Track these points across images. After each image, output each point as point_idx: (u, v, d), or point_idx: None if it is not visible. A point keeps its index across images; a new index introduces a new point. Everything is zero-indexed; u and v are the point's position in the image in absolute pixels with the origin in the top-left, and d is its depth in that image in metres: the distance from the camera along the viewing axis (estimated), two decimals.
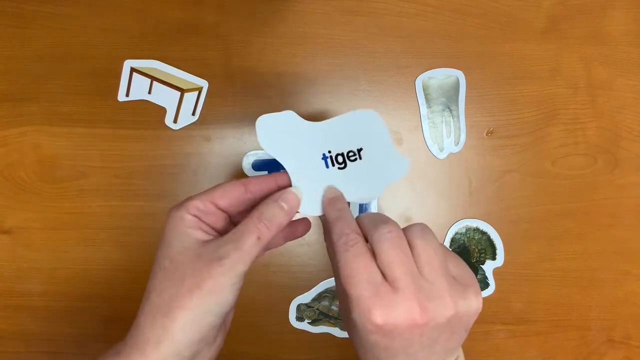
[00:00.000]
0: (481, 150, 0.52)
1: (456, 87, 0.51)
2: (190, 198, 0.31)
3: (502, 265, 0.52)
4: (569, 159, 0.52)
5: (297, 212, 0.33)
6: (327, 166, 0.34)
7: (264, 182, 0.33)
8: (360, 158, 0.35)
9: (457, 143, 0.51)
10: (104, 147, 0.50)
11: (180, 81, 0.50)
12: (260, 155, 0.50)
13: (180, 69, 0.50)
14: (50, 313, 0.50)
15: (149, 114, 0.50)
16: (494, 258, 0.52)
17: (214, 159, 0.50)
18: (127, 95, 0.50)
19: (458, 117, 0.51)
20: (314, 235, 0.51)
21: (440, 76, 0.51)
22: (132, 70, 0.49)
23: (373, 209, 0.51)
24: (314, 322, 0.51)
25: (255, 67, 0.50)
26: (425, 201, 0.51)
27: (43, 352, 0.50)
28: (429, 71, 0.51)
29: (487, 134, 0.52)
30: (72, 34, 0.49)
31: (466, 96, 0.51)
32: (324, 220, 0.34)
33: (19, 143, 0.49)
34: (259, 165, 0.50)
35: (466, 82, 0.51)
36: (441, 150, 0.51)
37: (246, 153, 0.50)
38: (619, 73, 0.52)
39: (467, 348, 0.52)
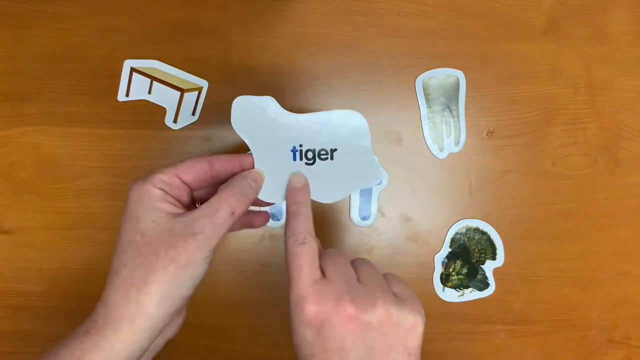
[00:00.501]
0: (481, 150, 0.52)
1: (456, 87, 0.51)
2: (155, 172, 0.31)
3: (502, 265, 0.52)
4: (569, 159, 0.52)
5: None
6: (294, 159, 0.34)
7: (229, 161, 0.33)
8: (332, 159, 0.34)
9: (457, 143, 0.51)
10: (104, 147, 0.50)
11: (180, 81, 0.50)
12: None
13: (180, 69, 0.50)
14: (50, 313, 0.50)
15: (149, 114, 0.50)
16: (494, 258, 0.52)
17: None
18: (127, 95, 0.50)
19: (458, 117, 0.51)
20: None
21: (440, 76, 0.51)
22: (132, 70, 0.49)
23: (374, 210, 0.51)
24: None
25: (255, 67, 0.50)
26: (425, 201, 0.51)
27: (43, 352, 0.50)
28: (429, 71, 0.51)
29: (487, 134, 0.52)
30: (72, 34, 0.49)
31: (466, 96, 0.51)
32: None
33: (19, 143, 0.49)
34: None
35: (466, 82, 0.51)
36: (441, 150, 0.51)
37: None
38: (619, 73, 0.52)
39: (467, 348, 0.52)
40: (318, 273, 0.30)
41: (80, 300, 0.50)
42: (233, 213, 0.31)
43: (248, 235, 0.51)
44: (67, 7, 0.50)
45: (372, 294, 0.29)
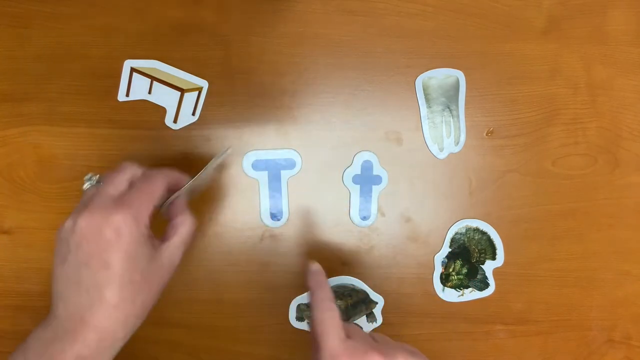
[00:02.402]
0: (481, 150, 0.52)
1: (456, 87, 0.51)
2: (139, 207, 0.35)
3: (502, 265, 0.52)
4: (569, 159, 0.52)
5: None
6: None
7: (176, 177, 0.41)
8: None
9: (457, 143, 0.51)
10: (104, 147, 0.50)
11: (180, 81, 0.50)
12: (261, 155, 0.50)
13: (180, 69, 0.50)
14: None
15: (149, 114, 0.50)
16: (494, 258, 0.52)
17: None
18: (127, 95, 0.50)
19: (458, 117, 0.51)
20: (314, 235, 0.51)
21: (440, 76, 0.51)
22: (132, 70, 0.49)
23: (374, 210, 0.51)
24: None
25: (255, 67, 0.50)
26: (425, 201, 0.51)
27: None
28: (429, 71, 0.51)
29: (487, 134, 0.52)
30: (72, 34, 0.49)
31: (466, 96, 0.51)
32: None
33: (19, 143, 0.49)
34: (259, 166, 0.50)
35: (466, 82, 0.51)
36: (441, 150, 0.51)
37: (246, 153, 0.50)
38: (619, 73, 0.52)
39: (467, 348, 0.52)
40: (343, 333, 0.34)
41: None
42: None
43: (248, 235, 0.51)
44: (67, 7, 0.50)
45: (392, 348, 0.34)
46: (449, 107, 0.51)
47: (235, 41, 0.50)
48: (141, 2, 0.50)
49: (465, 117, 0.51)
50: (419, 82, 0.51)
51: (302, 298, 0.51)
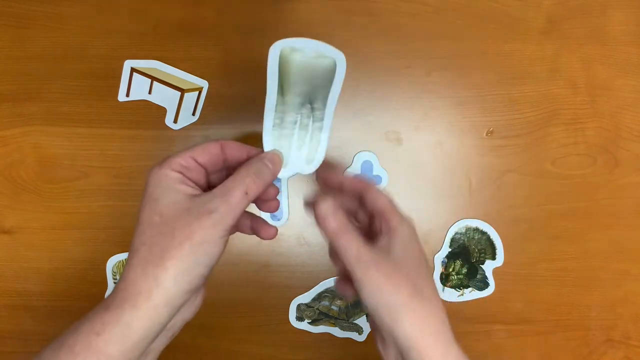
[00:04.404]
0: (481, 150, 0.52)
1: (330, 74, 0.33)
2: (172, 156, 0.32)
3: (502, 265, 0.52)
4: (569, 159, 0.52)
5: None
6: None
7: (238, 150, 0.34)
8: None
9: (311, 161, 0.35)
10: (104, 147, 0.50)
11: (181, 81, 0.50)
12: None
13: (180, 69, 0.50)
14: (51, 313, 0.50)
15: (149, 114, 0.50)
16: (493, 258, 0.52)
17: None
18: (128, 95, 0.50)
19: (322, 121, 0.34)
20: (314, 235, 0.51)
21: (310, 53, 0.32)
22: (132, 70, 0.49)
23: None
24: (314, 322, 0.51)
25: (255, 67, 0.50)
26: (425, 201, 0.51)
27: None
28: (289, 38, 0.31)
29: (487, 134, 0.52)
30: (72, 34, 0.50)
31: (465, 96, 0.51)
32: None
33: (19, 143, 0.49)
34: None
35: (464, 82, 0.51)
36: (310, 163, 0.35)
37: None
38: (618, 73, 0.52)
39: (467, 348, 0.52)
40: None
41: (81, 300, 0.50)
42: (247, 193, 0.31)
43: (248, 235, 0.51)
44: (67, 7, 0.50)
45: None
46: (310, 104, 0.34)
47: (235, 41, 0.50)
48: (141, 2, 0.50)
49: (462, 117, 0.51)
50: (275, 51, 0.31)
51: (302, 298, 0.51)
